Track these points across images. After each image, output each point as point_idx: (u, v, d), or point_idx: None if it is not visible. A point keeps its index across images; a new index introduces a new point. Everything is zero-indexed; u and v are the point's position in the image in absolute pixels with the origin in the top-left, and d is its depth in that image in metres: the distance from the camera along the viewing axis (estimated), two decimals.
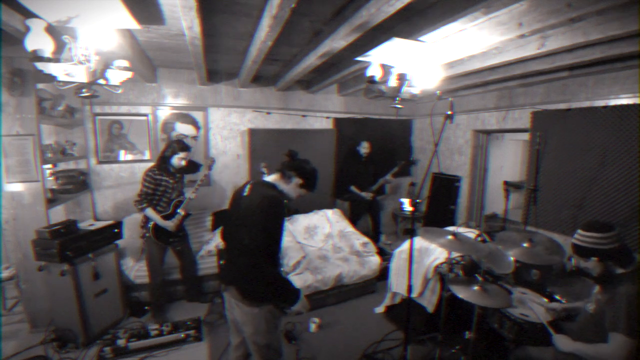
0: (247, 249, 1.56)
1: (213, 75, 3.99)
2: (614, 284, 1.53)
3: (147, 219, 2.95)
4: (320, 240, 4.08)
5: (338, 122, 4.88)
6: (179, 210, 3.04)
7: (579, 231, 1.61)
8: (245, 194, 1.71)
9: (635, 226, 2.82)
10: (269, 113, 4.48)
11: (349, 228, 4.19)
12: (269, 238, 1.60)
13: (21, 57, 2.59)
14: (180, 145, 2.97)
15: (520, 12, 1.96)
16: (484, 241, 2.64)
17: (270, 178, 1.78)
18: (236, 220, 1.69)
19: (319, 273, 3.31)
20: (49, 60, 1.62)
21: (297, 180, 1.74)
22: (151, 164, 3.03)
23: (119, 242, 3.09)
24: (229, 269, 1.74)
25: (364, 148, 4.51)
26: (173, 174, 3.03)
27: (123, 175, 3.88)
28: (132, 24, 1.83)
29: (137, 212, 3.04)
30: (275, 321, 1.73)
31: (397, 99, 2.46)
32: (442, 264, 2.58)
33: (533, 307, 2.04)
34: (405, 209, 5.28)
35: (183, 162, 2.99)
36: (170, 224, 2.97)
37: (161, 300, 3.17)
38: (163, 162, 2.96)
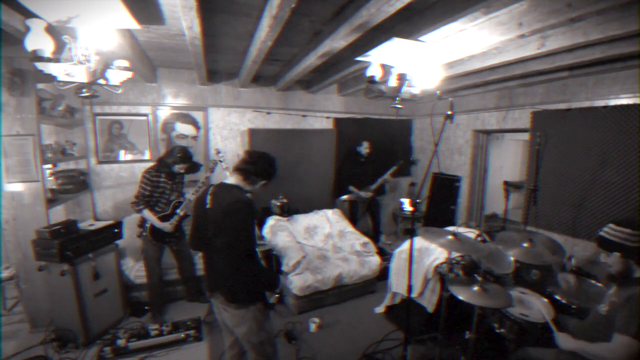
0: (227, 255, 1.59)
1: (213, 75, 4.00)
2: (630, 286, 1.51)
3: (144, 219, 2.95)
4: (320, 240, 4.08)
5: (338, 122, 4.88)
6: (177, 212, 3.04)
7: (610, 225, 1.59)
8: (208, 204, 1.71)
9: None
10: (269, 113, 4.48)
11: (349, 228, 4.18)
12: (246, 239, 1.61)
13: (21, 57, 2.59)
14: (183, 157, 2.95)
15: (520, 12, 1.96)
16: (484, 241, 2.64)
17: (232, 180, 1.76)
18: (206, 229, 1.70)
19: (319, 273, 3.31)
20: (49, 60, 1.62)
21: (261, 182, 1.78)
22: (149, 165, 3.03)
23: (119, 242, 3.09)
24: (211, 276, 1.77)
25: (365, 148, 4.49)
26: (172, 175, 3.02)
27: (123, 175, 3.88)
28: (132, 24, 1.83)
29: (135, 213, 3.04)
30: (264, 317, 1.76)
31: (397, 99, 2.46)
32: (442, 264, 2.58)
33: (534, 305, 2.04)
34: (405, 209, 5.28)
35: (182, 170, 3.02)
36: (167, 226, 2.96)
37: (159, 300, 3.17)
38: (163, 165, 2.96)
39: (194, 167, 3.28)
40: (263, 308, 1.74)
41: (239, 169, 1.74)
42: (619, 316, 1.46)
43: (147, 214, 2.88)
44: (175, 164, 2.94)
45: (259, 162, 1.74)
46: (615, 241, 1.53)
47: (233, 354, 1.96)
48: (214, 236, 1.65)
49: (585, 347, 1.54)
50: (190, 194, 3.09)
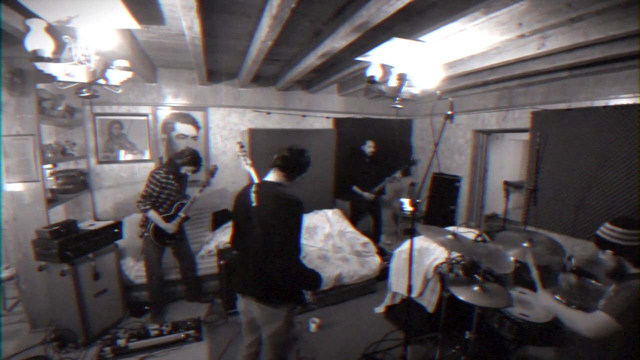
0: (278, 254, 1.57)
1: (213, 75, 4.00)
2: (625, 282, 1.53)
3: (147, 219, 2.95)
4: (320, 240, 4.08)
5: (338, 122, 4.88)
6: (180, 213, 3.04)
7: (606, 224, 1.63)
8: (253, 203, 1.68)
9: None
10: (269, 113, 4.48)
11: (349, 228, 4.19)
12: (297, 240, 1.62)
13: (21, 57, 2.59)
14: (192, 159, 2.97)
15: (520, 12, 1.96)
16: (484, 241, 2.63)
17: (273, 177, 1.75)
18: (250, 227, 1.67)
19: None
20: (49, 60, 1.62)
21: (299, 177, 1.81)
22: (156, 165, 3.04)
23: (119, 242, 3.09)
24: (247, 275, 1.74)
25: (369, 147, 4.48)
26: (179, 177, 3.04)
27: (123, 175, 3.88)
28: (132, 24, 1.83)
29: (139, 213, 3.04)
30: (292, 320, 1.78)
31: (397, 99, 2.45)
32: (442, 264, 2.57)
33: (533, 305, 2.03)
34: (405, 209, 5.28)
35: (189, 173, 3.04)
36: (171, 227, 2.97)
37: (160, 300, 3.17)
38: (173, 166, 2.97)
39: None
40: (294, 309, 1.76)
41: (281, 167, 1.73)
42: (609, 299, 1.49)
43: (152, 214, 2.88)
44: (184, 165, 2.96)
45: (300, 158, 1.76)
46: (609, 240, 1.57)
47: (249, 353, 1.95)
48: (263, 235, 1.62)
49: (562, 310, 1.58)
50: (196, 193, 3.11)
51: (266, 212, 1.62)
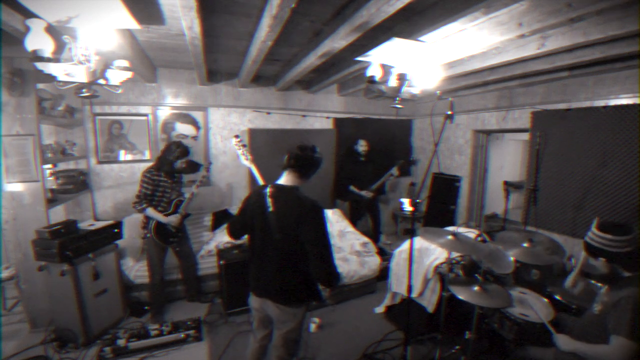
0: (317, 259, 1.60)
1: (213, 75, 4.00)
2: (619, 286, 1.53)
3: (148, 219, 2.95)
4: None
5: (338, 122, 4.88)
6: (179, 211, 3.04)
7: (594, 229, 1.60)
8: (270, 207, 1.65)
9: (636, 226, 2.82)
10: (269, 113, 4.48)
11: (349, 228, 4.18)
12: (329, 240, 1.62)
13: (21, 57, 2.59)
14: (183, 150, 2.98)
15: (520, 12, 1.96)
16: (484, 241, 2.64)
17: (288, 180, 1.69)
18: (270, 233, 1.66)
19: None
20: (49, 60, 1.62)
21: (313, 175, 1.74)
22: (149, 165, 3.03)
23: (119, 242, 3.09)
24: (266, 280, 1.74)
25: (362, 146, 4.47)
26: (172, 174, 3.03)
27: (123, 175, 3.88)
28: (132, 24, 1.83)
29: (137, 213, 3.03)
30: (304, 319, 1.81)
31: (397, 99, 2.46)
32: (442, 264, 2.58)
33: (535, 306, 2.04)
34: (405, 209, 5.28)
35: (184, 165, 3.02)
36: (173, 219, 2.97)
37: (161, 300, 3.17)
38: (163, 163, 2.96)
39: (194, 167, 3.28)
40: (308, 307, 1.80)
41: (296, 167, 1.66)
42: (611, 317, 1.48)
43: (151, 211, 2.88)
44: (178, 159, 2.95)
45: (313, 155, 1.68)
46: (598, 247, 1.55)
47: (258, 347, 1.97)
48: (282, 240, 1.62)
49: (584, 349, 1.55)
50: (193, 188, 3.10)
51: (288, 218, 1.60)
